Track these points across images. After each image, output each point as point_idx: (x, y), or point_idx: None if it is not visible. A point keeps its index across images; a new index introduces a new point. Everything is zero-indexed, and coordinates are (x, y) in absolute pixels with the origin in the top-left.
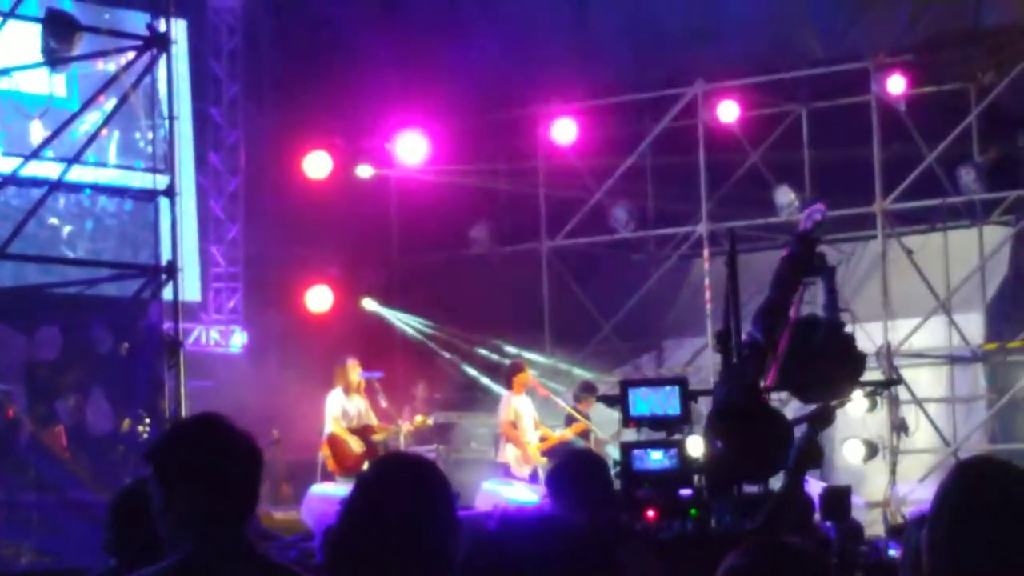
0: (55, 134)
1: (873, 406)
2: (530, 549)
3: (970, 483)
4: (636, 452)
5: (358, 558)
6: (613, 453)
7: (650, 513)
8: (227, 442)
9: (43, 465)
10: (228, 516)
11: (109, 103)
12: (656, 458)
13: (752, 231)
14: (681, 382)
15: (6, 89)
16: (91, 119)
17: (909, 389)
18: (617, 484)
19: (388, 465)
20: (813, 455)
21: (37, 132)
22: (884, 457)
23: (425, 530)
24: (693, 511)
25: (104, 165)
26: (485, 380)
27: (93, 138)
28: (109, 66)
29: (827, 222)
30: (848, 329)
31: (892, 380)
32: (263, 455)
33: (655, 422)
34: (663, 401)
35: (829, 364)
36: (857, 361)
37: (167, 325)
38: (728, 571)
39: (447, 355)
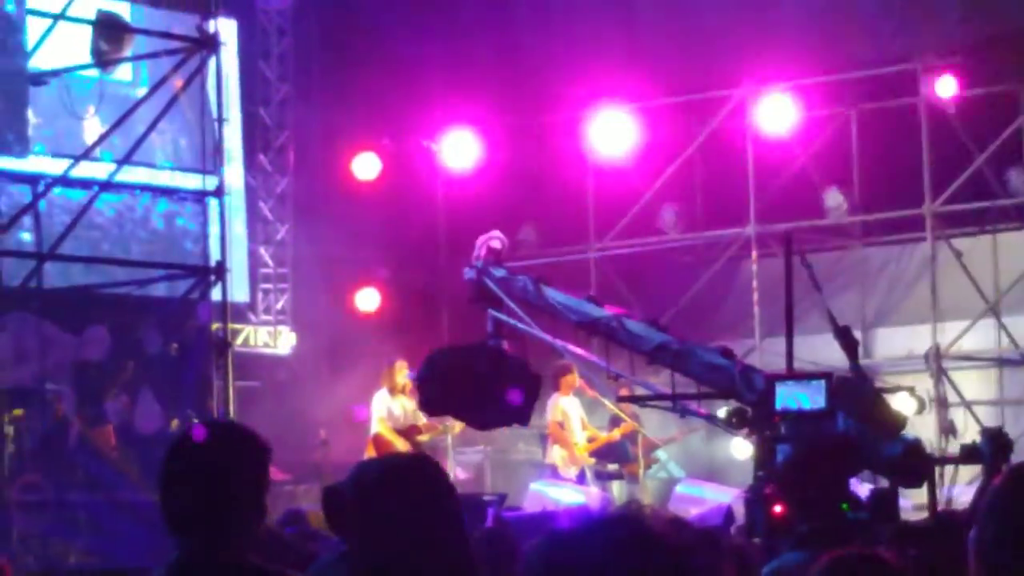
0: (102, 138)
1: (921, 408)
2: (610, 550)
3: (1022, 486)
4: (781, 447)
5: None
6: (661, 456)
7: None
8: (212, 448)
9: (92, 465)
10: (214, 523)
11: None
12: None
13: (801, 233)
14: (827, 376)
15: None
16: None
17: (958, 391)
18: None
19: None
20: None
21: (91, 129)
22: None
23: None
24: (844, 505)
25: (153, 166)
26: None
27: (143, 139)
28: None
29: (874, 225)
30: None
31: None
32: (265, 460)
33: (800, 416)
34: (809, 394)
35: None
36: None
37: (216, 326)
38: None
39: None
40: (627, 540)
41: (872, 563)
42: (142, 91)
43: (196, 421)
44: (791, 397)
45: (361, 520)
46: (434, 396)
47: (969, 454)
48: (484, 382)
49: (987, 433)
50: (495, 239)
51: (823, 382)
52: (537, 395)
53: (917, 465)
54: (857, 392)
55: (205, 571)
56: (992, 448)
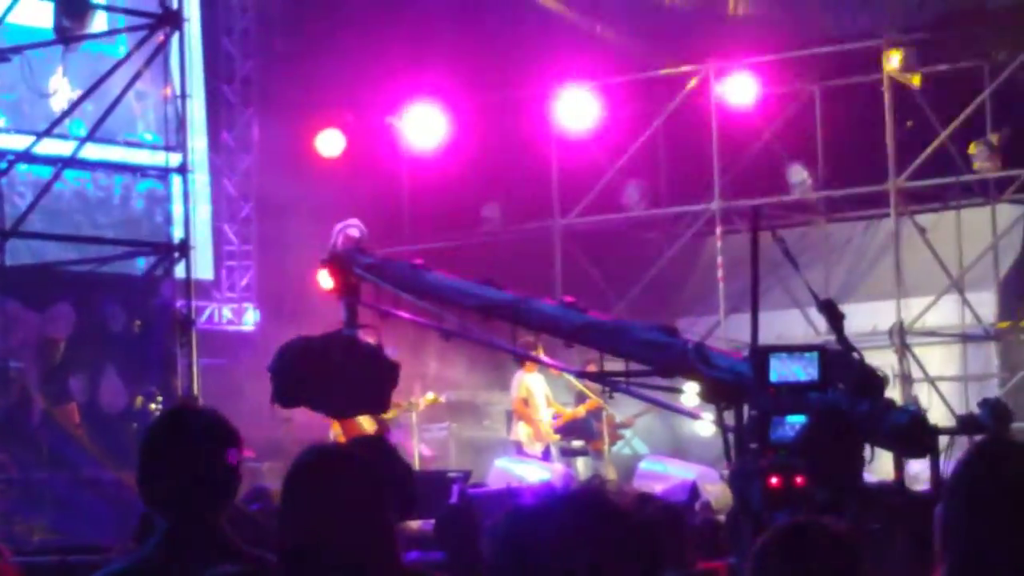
0: (69, 111)
1: (885, 384)
2: (572, 525)
3: (986, 463)
4: (775, 419)
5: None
6: (626, 432)
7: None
8: (186, 430)
9: (56, 442)
10: (192, 504)
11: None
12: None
13: (765, 209)
14: (820, 348)
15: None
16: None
17: (922, 367)
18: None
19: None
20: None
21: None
22: None
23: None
24: None
25: (116, 143)
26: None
27: (105, 117)
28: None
29: (838, 201)
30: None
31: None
32: (236, 441)
33: (794, 388)
34: (803, 367)
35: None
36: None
37: (180, 303)
38: (763, 548)
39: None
40: (590, 515)
41: (819, 532)
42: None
43: (176, 404)
44: (785, 369)
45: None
46: (287, 387)
47: (968, 424)
48: (337, 371)
49: (987, 403)
50: (352, 227)
51: (816, 354)
52: (395, 382)
53: (922, 436)
54: (847, 363)
55: (192, 545)
56: (993, 418)
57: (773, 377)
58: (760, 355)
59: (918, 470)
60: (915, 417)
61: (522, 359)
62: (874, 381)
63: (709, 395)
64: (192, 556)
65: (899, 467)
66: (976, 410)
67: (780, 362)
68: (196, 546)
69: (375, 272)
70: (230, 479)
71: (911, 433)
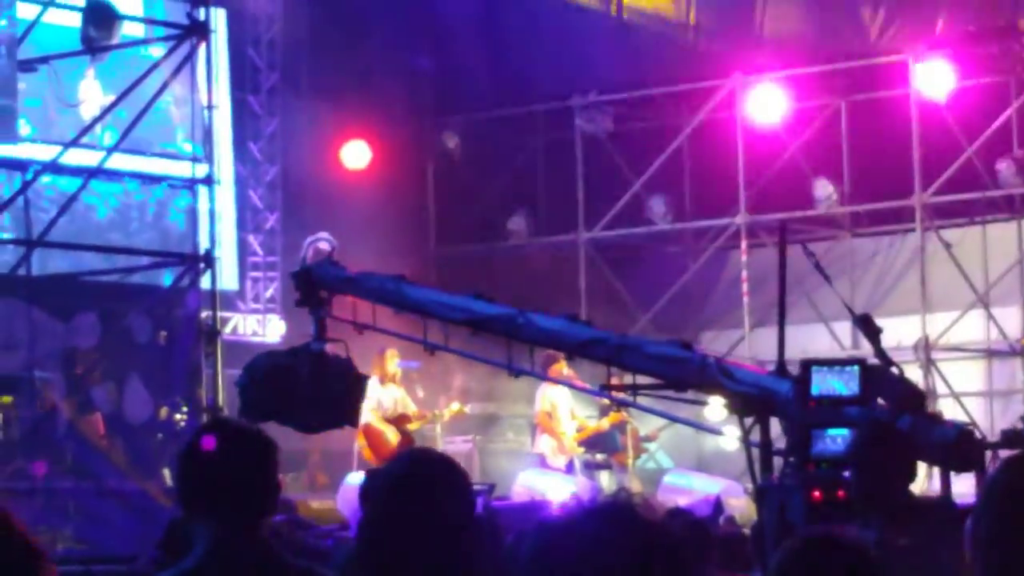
0: (95, 121)
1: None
2: (603, 537)
3: (1016, 477)
4: (815, 432)
5: (382, 552)
6: (650, 446)
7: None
8: (230, 443)
9: (80, 452)
10: (239, 516)
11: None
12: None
13: (790, 224)
14: (860, 362)
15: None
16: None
17: (947, 383)
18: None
19: (412, 462)
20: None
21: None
22: None
23: (447, 527)
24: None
25: (143, 153)
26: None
27: (132, 127)
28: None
29: (864, 215)
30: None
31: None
32: (275, 453)
33: (835, 402)
34: (844, 381)
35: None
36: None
37: (205, 314)
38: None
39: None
40: (618, 529)
41: (839, 545)
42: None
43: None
44: (826, 383)
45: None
46: (256, 400)
47: (1012, 439)
48: (306, 385)
49: None
50: (322, 240)
51: (857, 368)
52: (363, 395)
53: (969, 451)
54: (886, 377)
55: (241, 555)
56: None
57: (815, 391)
58: (803, 368)
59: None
60: (963, 432)
61: (519, 374)
62: (915, 395)
63: (735, 409)
64: (241, 567)
65: (947, 482)
66: (1020, 425)
67: (821, 375)
68: (245, 556)
69: (351, 285)
70: (274, 490)
71: (960, 448)
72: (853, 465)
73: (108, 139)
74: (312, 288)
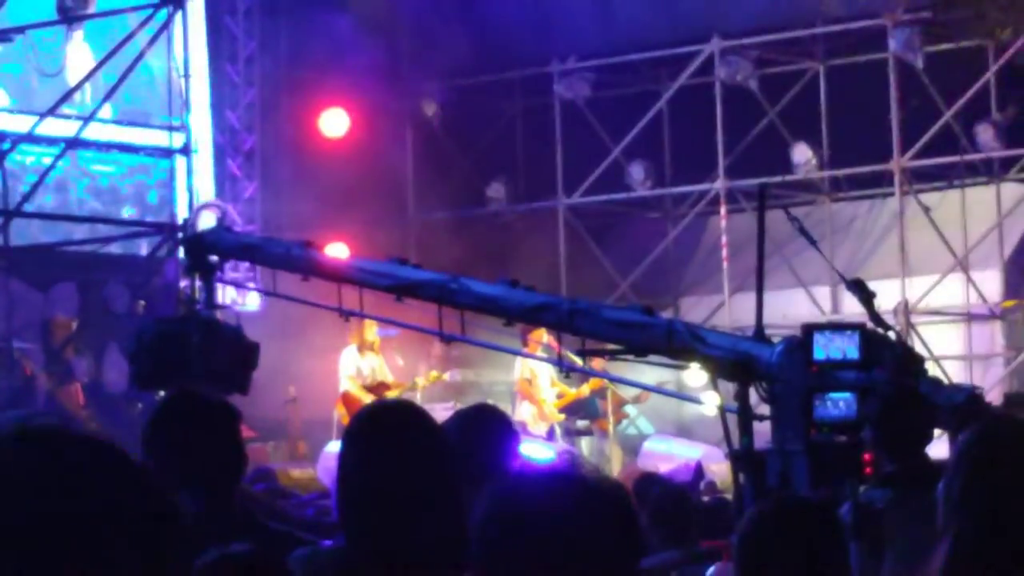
0: (70, 93)
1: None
2: (548, 506)
3: (990, 440)
4: (816, 397)
5: (362, 511)
6: (631, 411)
7: None
8: (195, 413)
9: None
10: (210, 484)
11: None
12: (837, 404)
13: (769, 189)
14: (860, 327)
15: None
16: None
17: (926, 346)
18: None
19: (369, 415)
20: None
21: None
22: None
23: (420, 473)
24: None
25: (120, 123)
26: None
27: (109, 96)
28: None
29: (843, 180)
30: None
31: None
32: (238, 420)
33: (838, 366)
34: (845, 345)
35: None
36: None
37: (183, 283)
38: (747, 524)
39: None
40: (569, 492)
41: (804, 509)
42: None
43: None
44: (828, 347)
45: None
46: (146, 369)
47: (1014, 401)
48: (196, 353)
49: None
50: (212, 207)
51: (857, 333)
52: (254, 364)
53: (979, 413)
54: (884, 342)
55: (217, 522)
56: None
57: (818, 355)
58: (804, 333)
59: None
60: (972, 395)
61: (450, 341)
62: (915, 359)
63: (713, 374)
64: (219, 534)
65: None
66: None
67: (823, 339)
68: (223, 523)
69: (252, 252)
70: (241, 456)
71: (970, 411)
72: (874, 427)
73: (106, 111)
74: (202, 254)
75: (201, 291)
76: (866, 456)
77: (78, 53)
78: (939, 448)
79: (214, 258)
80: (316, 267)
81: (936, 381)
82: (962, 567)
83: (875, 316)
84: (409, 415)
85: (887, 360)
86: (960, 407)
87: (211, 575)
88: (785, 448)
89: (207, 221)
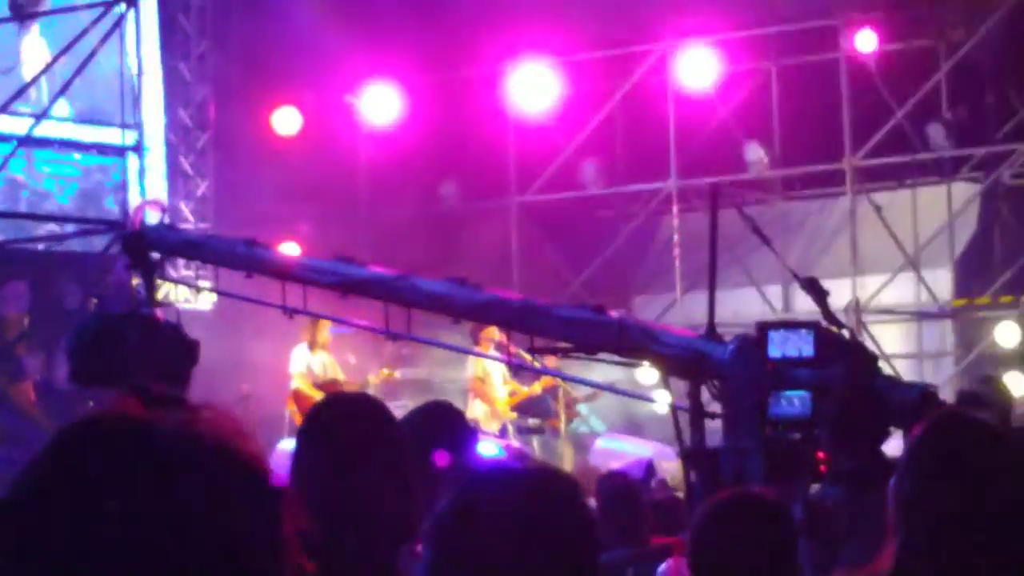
0: (23, 89)
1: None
2: (503, 499)
3: (940, 438)
4: (785, 395)
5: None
6: (583, 410)
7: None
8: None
9: (11, 420)
10: None
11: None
12: (792, 401)
13: (722, 188)
14: (814, 325)
15: None
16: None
17: (877, 344)
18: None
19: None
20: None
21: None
22: None
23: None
24: None
25: (75, 121)
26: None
27: (61, 92)
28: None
29: (795, 179)
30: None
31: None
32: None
33: (792, 363)
34: (799, 342)
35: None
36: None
37: (135, 281)
38: (700, 519)
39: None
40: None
41: (755, 503)
42: None
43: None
44: (783, 345)
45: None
46: (84, 366)
47: (970, 399)
48: (135, 350)
49: (985, 379)
50: (152, 204)
51: (811, 330)
52: (194, 361)
53: (933, 411)
54: (838, 339)
55: None
56: (993, 392)
57: (773, 353)
58: (759, 330)
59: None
60: (926, 393)
61: (397, 339)
62: (868, 357)
63: (664, 372)
64: None
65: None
66: (974, 385)
67: (778, 337)
68: None
69: (194, 249)
70: None
71: (924, 409)
72: (830, 425)
73: (59, 109)
74: (143, 251)
75: (140, 288)
76: (820, 454)
77: (34, 49)
78: (894, 446)
79: (156, 255)
80: (260, 264)
81: (891, 379)
82: (908, 568)
83: (829, 314)
84: (365, 406)
85: (841, 358)
86: (914, 405)
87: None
88: (739, 445)
89: (151, 218)
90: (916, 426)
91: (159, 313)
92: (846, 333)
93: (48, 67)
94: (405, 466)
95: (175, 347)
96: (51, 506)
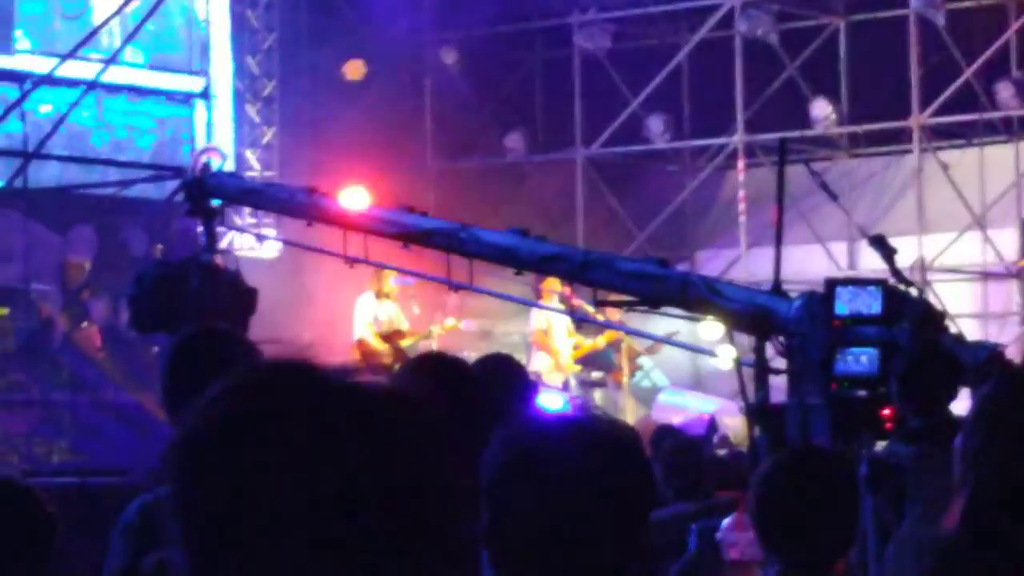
0: (91, 35)
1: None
2: (560, 450)
3: (1008, 397)
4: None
5: None
6: (645, 363)
7: None
8: (222, 351)
9: (76, 365)
10: None
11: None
12: (859, 359)
13: (788, 144)
14: (882, 282)
15: None
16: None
17: (942, 304)
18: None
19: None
20: None
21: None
22: None
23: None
24: None
25: (140, 67)
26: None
27: (130, 38)
28: None
29: (861, 136)
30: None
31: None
32: (259, 354)
33: (860, 321)
34: (867, 300)
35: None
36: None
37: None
38: (764, 474)
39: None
40: (583, 437)
41: (820, 458)
42: None
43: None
44: (850, 302)
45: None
46: (145, 311)
47: None
48: (195, 297)
49: None
50: (212, 151)
51: (879, 288)
52: (252, 309)
53: (1001, 370)
54: (907, 297)
55: None
56: None
57: (840, 310)
58: (827, 287)
59: None
60: (994, 352)
61: (458, 289)
62: (937, 316)
63: (729, 327)
64: None
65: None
66: None
67: (846, 294)
68: None
69: (255, 196)
70: None
71: (992, 368)
72: (898, 383)
73: (130, 56)
74: (202, 199)
75: (202, 235)
76: (886, 411)
77: None
78: (962, 405)
79: (216, 203)
80: (320, 213)
81: (959, 337)
82: (976, 524)
83: (897, 272)
84: (448, 365)
85: (909, 316)
86: (982, 364)
87: None
88: (805, 402)
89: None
90: (984, 385)
91: (219, 260)
92: (914, 291)
93: (118, 11)
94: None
95: (234, 294)
96: (241, 444)
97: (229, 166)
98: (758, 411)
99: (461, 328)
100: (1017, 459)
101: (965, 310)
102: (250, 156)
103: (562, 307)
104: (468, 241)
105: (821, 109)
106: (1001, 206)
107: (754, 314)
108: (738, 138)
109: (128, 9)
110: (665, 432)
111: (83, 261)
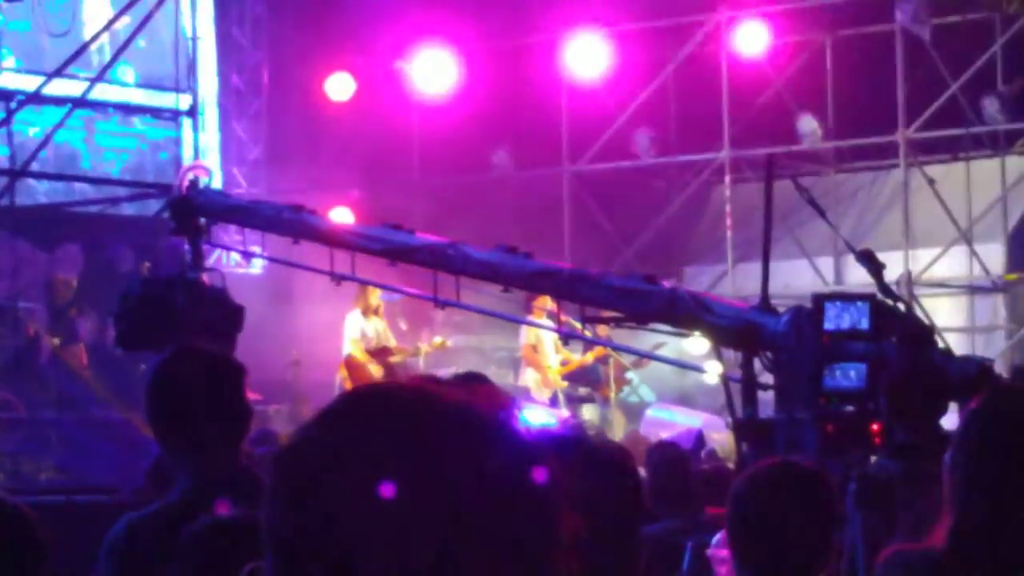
0: (78, 52)
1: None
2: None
3: (997, 412)
4: (827, 367)
5: None
6: (633, 379)
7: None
8: (207, 372)
9: (63, 382)
10: (214, 443)
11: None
12: (848, 374)
13: (774, 159)
14: (871, 297)
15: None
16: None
17: (929, 318)
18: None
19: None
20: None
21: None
22: None
23: None
24: None
25: (126, 84)
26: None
27: (117, 56)
28: None
29: (848, 151)
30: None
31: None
32: (243, 376)
33: (848, 336)
34: (855, 315)
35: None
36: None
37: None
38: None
39: None
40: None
41: (795, 472)
42: None
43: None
44: (838, 317)
45: None
46: (131, 331)
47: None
48: (181, 314)
49: None
50: (199, 169)
51: (867, 303)
52: (239, 326)
53: (990, 385)
54: (895, 312)
55: (221, 483)
56: None
57: (829, 325)
58: (815, 303)
59: None
60: (983, 367)
61: (445, 307)
62: (924, 330)
63: (716, 343)
64: (221, 495)
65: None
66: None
67: (834, 310)
68: (229, 485)
69: (241, 214)
70: (246, 413)
71: (981, 383)
72: (887, 398)
73: (122, 74)
74: (189, 216)
75: (188, 253)
76: (874, 427)
77: (95, 8)
78: (951, 420)
79: (203, 220)
80: (306, 230)
81: (947, 352)
82: (965, 539)
83: (884, 287)
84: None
85: (898, 331)
86: (971, 379)
87: (201, 541)
88: (794, 417)
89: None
90: (972, 400)
91: (205, 278)
92: (902, 306)
93: (105, 28)
94: None
95: (220, 311)
96: (339, 462)
97: (216, 183)
98: (746, 426)
99: (449, 345)
100: (1005, 475)
101: (952, 324)
102: (236, 173)
103: (550, 323)
104: (456, 258)
105: (807, 124)
106: (987, 221)
107: (742, 330)
108: (724, 154)
109: (118, 26)
110: (655, 447)
111: (70, 279)
